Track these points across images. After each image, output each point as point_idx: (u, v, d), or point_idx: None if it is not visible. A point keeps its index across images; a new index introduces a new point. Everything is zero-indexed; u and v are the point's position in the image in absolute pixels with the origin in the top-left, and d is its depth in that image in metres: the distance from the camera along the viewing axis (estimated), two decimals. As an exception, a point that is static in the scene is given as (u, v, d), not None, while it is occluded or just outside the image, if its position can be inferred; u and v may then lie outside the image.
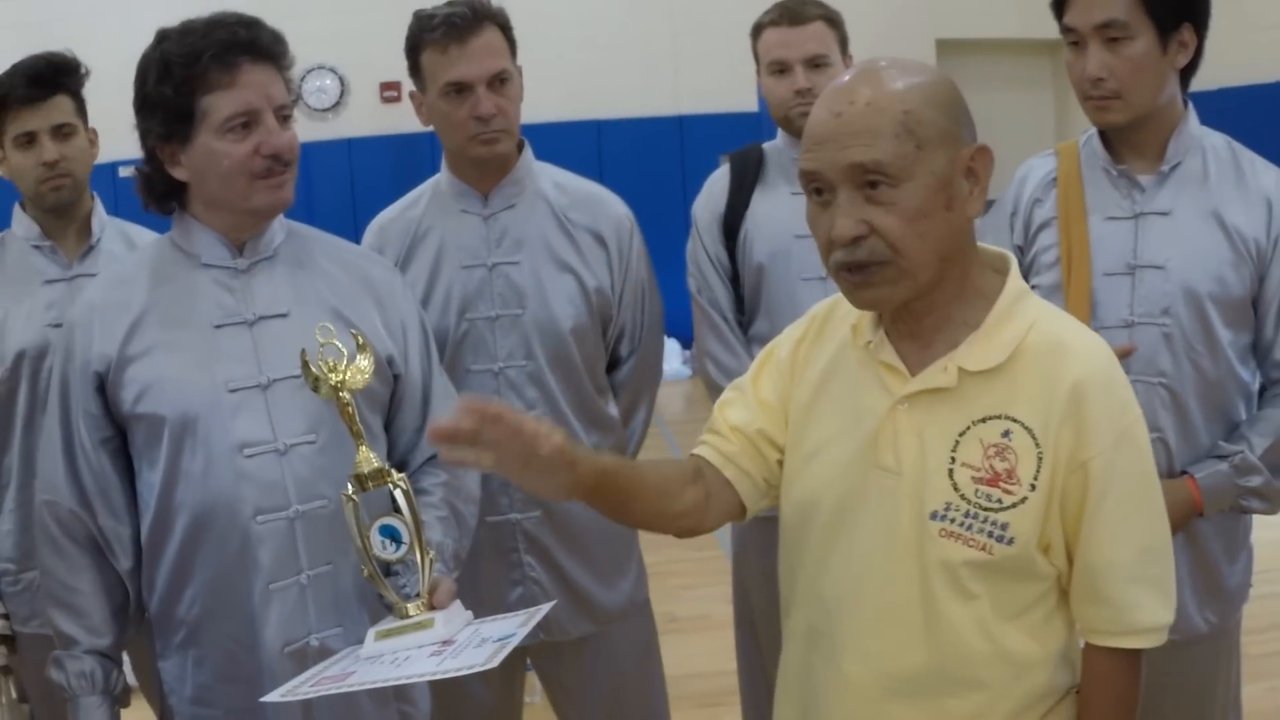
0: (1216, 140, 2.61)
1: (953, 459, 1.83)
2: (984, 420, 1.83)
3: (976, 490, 1.81)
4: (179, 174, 2.31)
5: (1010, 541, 1.80)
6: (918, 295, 1.83)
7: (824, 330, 2.04)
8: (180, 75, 2.23)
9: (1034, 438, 1.80)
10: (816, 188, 1.82)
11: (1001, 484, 1.81)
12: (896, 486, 1.86)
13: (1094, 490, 1.81)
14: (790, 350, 2.05)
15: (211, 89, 2.23)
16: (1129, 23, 2.44)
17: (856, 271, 1.80)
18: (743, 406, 2.05)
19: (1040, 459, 1.80)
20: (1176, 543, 2.49)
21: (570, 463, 1.82)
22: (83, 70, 3.14)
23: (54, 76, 3.10)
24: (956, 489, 1.82)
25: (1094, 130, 2.66)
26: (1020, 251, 2.69)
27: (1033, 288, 2.57)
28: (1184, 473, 2.52)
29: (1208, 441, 2.55)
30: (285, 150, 2.28)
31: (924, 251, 1.79)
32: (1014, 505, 1.80)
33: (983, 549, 1.81)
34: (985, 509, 1.81)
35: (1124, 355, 2.47)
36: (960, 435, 1.83)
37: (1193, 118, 2.59)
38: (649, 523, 2.04)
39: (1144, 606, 1.85)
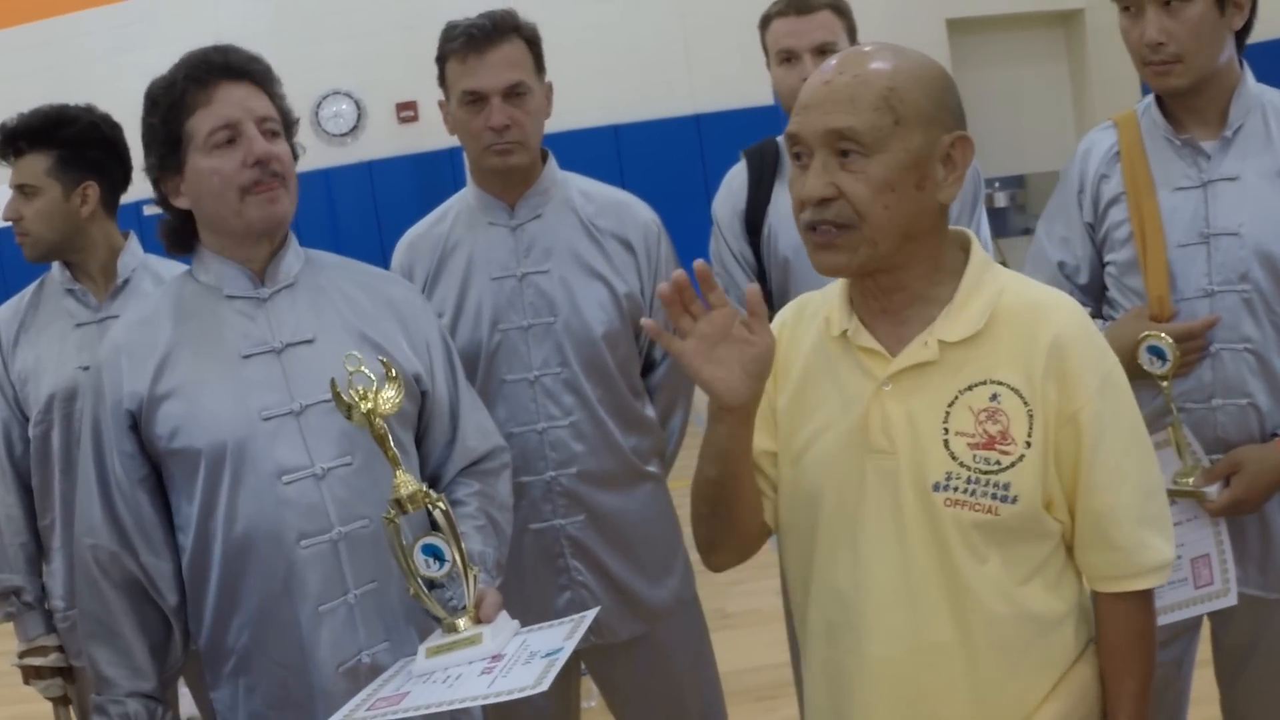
0: (1275, 97, 2.59)
1: (945, 430, 1.88)
2: (970, 388, 1.88)
3: (974, 456, 1.86)
4: (181, 204, 2.36)
5: (1014, 500, 1.85)
6: (876, 265, 1.89)
7: (796, 332, 2.08)
8: (164, 104, 2.31)
9: (1021, 397, 1.86)
10: (797, 152, 1.89)
11: (997, 446, 1.86)
12: (894, 466, 1.90)
13: (1087, 439, 1.86)
14: None
15: (192, 110, 2.30)
16: None
17: (821, 233, 1.86)
18: None
19: (1031, 416, 1.86)
20: (1271, 503, 2.53)
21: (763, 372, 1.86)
22: (77, 125, 3.17)
23: (24, 134, 3.16)
24: (955, 458, 1.87)
25: (1151, 99, 2.65)
26: (1091, 229, 2.70)
27: (1108, 263, 2.60)
28: (1275, 435, 2.52)
29: None
30: (271, 158, 2.31)
31: (887, 223, 1.85)
32: (1012, 465, 1.86)
33: (989, 511, 1.85)
34: (985, 472, 1.86)
35: (1209, 327, 2.49)
36: (949, 406, 1.88)
37: (1250, 78, 2.58)
38: (744, 509, 2.02)
39: (1151, 546, 1.91)
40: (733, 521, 2.03)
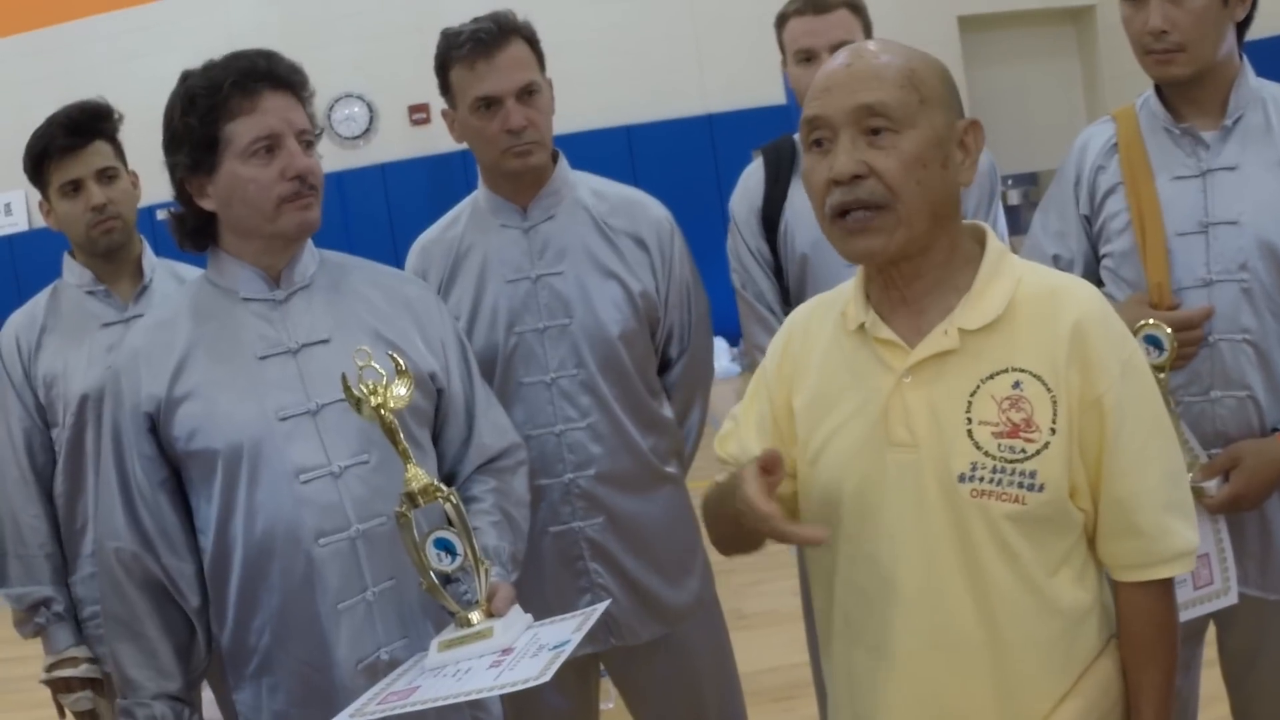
0: (1275, 90, 2.58)
1: (969, 419, 1.86)
2: (992, 376, 1.86)
3: (999, 445, 1.84)
4: (206, 205, 2.35)
5: (1041, 488, 1.84)
6: (910, 248, 1.87)
7: (809, 331, 2.07)
8: (204, 105, 2.29)
9: (1044, 384, 1.84)
10: (817, 138, 1.88)
11: (1022, 434, 1.84)
12: (916, 459, 1.88)
13: (1110, 424, 1.84)
14: (778, 363, 2.09)
15: (234, 116, 2.29)
16: None
17: (854, 218, 1.85)
18: (735, 438, 2.12)
19: (1055, 403, 1.84)
20: (1271, 500, 2.50)
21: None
22: (116, 115, 3.20)
23: (90, 123, 3.15)
24: (979, 448, 1.85)
25: (1150, 92, 2.64)
26: (1088, 221, 2.69)
27: (1104, 255, 2.58)
28: (1275, 429, 2.50)
29: None
30: (309, 172, 2.33)
31: (919, 199, 1.84)
32: (1038, 452, 1.84)
33: (1016, 500, 1.83)
34: (1011, 461, 1.84)
35: (1207, 316, 2.47)
36: (972, 395, 1.86)
37: (1250, 70, 2.57)
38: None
39: (1175, 532, 1.89)
40: (754, 544, 2.05)
